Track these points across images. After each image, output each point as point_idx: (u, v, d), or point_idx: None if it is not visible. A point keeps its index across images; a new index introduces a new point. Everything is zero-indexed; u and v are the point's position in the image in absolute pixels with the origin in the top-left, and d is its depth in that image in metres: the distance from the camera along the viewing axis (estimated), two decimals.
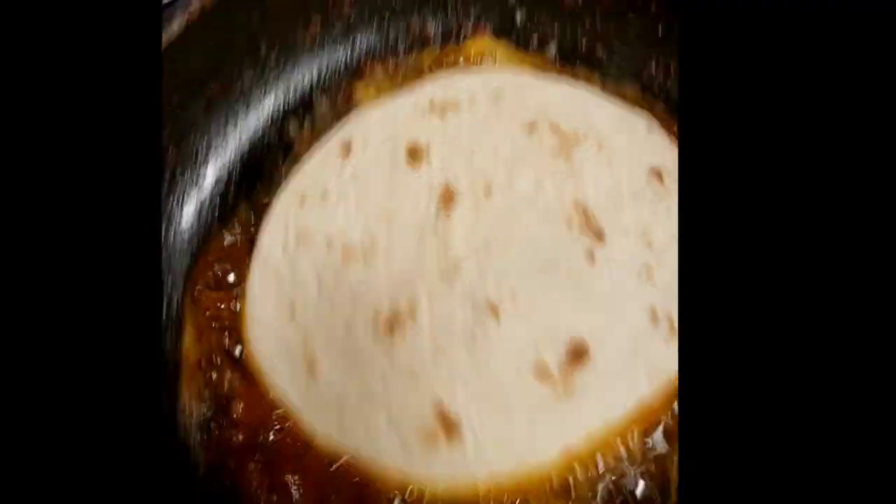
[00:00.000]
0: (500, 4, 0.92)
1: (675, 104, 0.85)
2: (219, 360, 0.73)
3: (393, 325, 0.70)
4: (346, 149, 0.82)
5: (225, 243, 0.81)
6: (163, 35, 0.74)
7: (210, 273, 0.78)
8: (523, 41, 0.92)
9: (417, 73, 0.90)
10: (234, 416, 0.72)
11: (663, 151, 0.77)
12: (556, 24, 0.91)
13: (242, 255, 0.79)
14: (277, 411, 0.71)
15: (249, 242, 0.81)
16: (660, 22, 0.86)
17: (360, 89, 0.89)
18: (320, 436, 0.69)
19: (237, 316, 0.76)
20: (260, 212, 0.82)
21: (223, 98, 0.85)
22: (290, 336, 0.73)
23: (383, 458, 0.67)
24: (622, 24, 0.89)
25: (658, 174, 0.75)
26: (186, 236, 0.80)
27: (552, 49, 0.91)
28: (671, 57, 0.86)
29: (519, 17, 0.93)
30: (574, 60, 0.90)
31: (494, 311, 0.68)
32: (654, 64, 0.88)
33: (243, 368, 0.73)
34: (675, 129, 0.82)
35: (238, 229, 0.82)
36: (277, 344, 0.73)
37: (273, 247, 0.79)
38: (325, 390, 0.70)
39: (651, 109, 0.86)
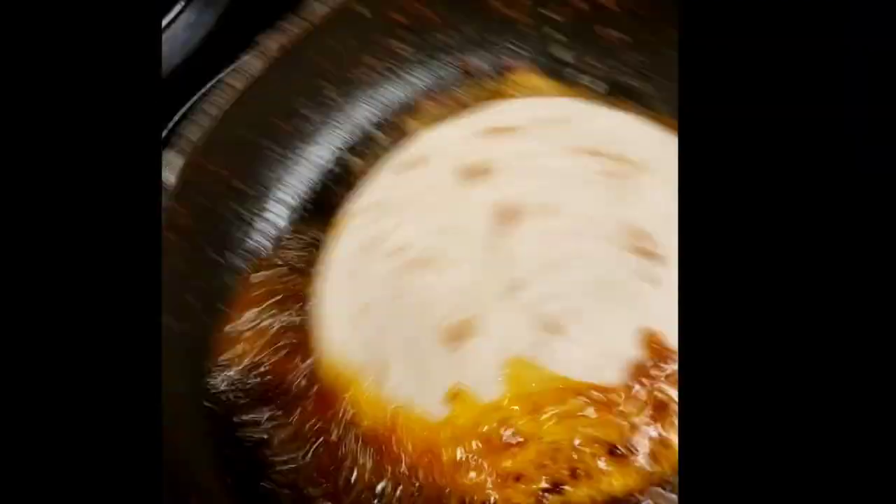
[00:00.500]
0: (542, 43, 0.96)
1: None
2: None
3: (460, 334, 0.72)
4: (408, 167, 0.84)
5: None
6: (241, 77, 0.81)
7: None
8: (567, 76, 0.96)
9: (467, 106, 0.94)
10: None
11: None
12: (598, 59, 0.95)
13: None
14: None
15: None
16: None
17: (414, 124, 0.92)
18: None
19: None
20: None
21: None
22: (360, 342, 0.75)
23: None
24: (661, 58, 0.91)
25: None
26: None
27: (598, 84, 0.93)
28: None
29: (561, 53, 0.97)
30: (618, 95, 0.93)
31: (559, 329, 0.71)
32: None
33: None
34: None
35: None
36: (348, 350, 0.76)
37: (340, 261, 0.81)
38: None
39: None
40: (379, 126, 0.96)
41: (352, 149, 0.96)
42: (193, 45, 1.02)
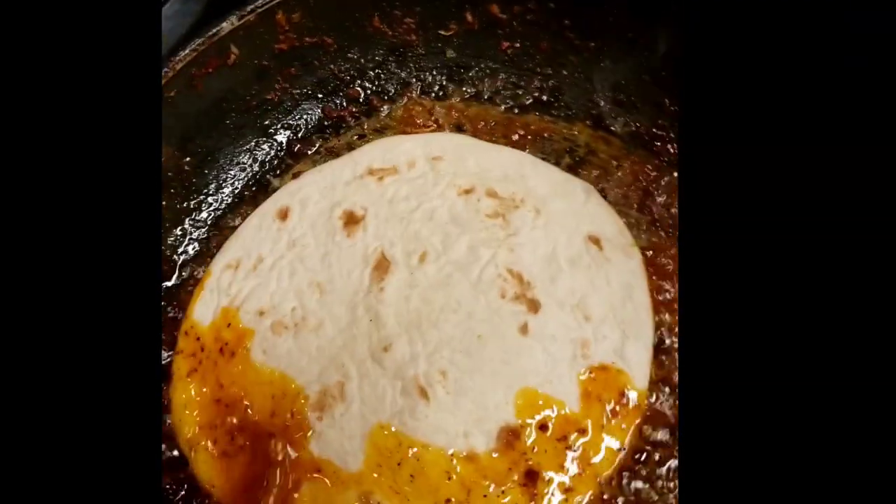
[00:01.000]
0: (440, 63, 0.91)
1: (626, 138, 0.86)
2: None
3: (322, 405, 0.65)
4: (284, 215, 0.80)
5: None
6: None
7: None
8: (467, 93, 0.91)
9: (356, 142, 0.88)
10: None
11: (602, 218, 0.75)
12: (496, 72, 0.91)
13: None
14: None
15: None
16: (602, 57, 0.86)
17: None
18: None
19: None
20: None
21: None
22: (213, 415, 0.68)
23: None
24: (563, 65, 0.88)
25: (596, 241, 0.73)
26: None
27: (497, 99, 0.89)
28: (618, 91, 0.86)
29: (455, 71, 0.92)
30: (521, 107, 0.89)
31: (424, 393, 0.64)
32: (601, 101, 0.85)
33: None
34: (630, 170, 0.82)
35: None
36: (201, 422, 0.68)
37: (204, 317, 0.76)
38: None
39: (607, 144, 0.85)
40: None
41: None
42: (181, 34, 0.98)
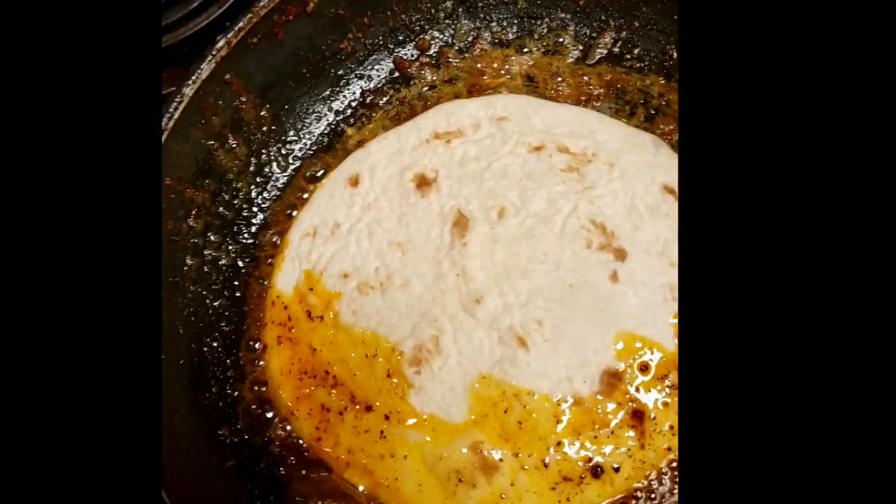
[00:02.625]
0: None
1: None
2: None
3: (418, 359, 0.65)
4: (354, 181, 0.77)
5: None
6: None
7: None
8: (538, 44, 0.89)
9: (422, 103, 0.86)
10: None
11: (674, 169, 0.73)
12: (567, 23, 0.88)
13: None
14: None
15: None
16: (675, 8, 0.83)
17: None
18: None
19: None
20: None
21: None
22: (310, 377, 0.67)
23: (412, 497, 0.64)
24: (635, 16, 0.86)
25: (671, 190, 0.72)
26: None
27: (568, 50, 0.87)
28: None
29: (526, 22, 0.90)
30: (592, 59, 0.87)
31: (522, 342, 0.64)
32: (674, 52, 0.85)
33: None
34: None
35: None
36: (298, 387, 0.68)
37: (287, 286, 0.74)
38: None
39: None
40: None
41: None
42: None
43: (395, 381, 0.67)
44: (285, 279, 0.75)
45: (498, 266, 0.70)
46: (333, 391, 0.68)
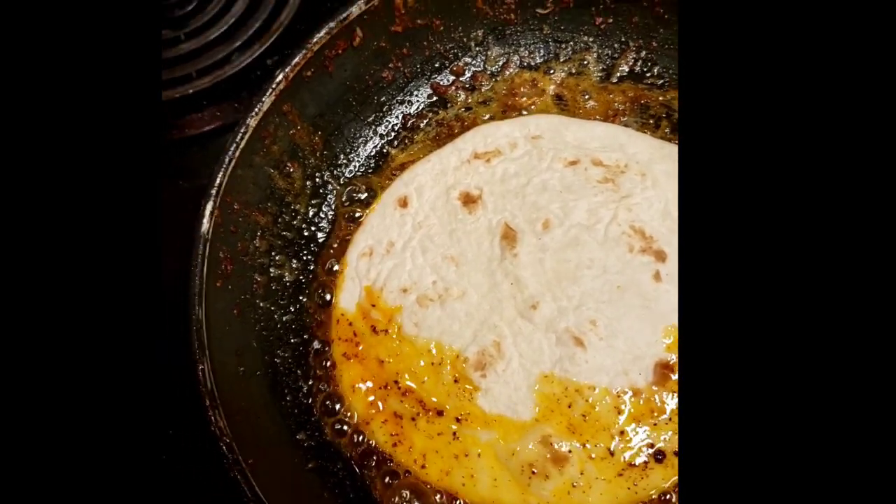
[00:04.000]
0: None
1: None
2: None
3: (483, 364, 0.68)
4: (403, 202, 0.80)
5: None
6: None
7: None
8: (564, 66, 0.94)
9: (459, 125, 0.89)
10: None
11: None
12: (590, 45, 0.93)
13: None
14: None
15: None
16: None
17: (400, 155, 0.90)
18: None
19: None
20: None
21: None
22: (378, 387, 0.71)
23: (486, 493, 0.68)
24: (653, 37, 0.91)
25: None
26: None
27: (592, 70, 0.91)
28: None
29: (552, 45, 0.94)
30: (615, 77, 0.92)
31: (579, 342, 0.67)
32: None
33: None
34: None
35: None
36: (370, 399, 0.71)
37: (350, 304, 0.77)
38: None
39: None
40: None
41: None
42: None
43: (462, 385, 0.70)
44: (347, 298, 0.79)
45: (549, 273, 0.74)
46: (404, 399, 0.71)
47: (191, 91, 1.02)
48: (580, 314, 0.73)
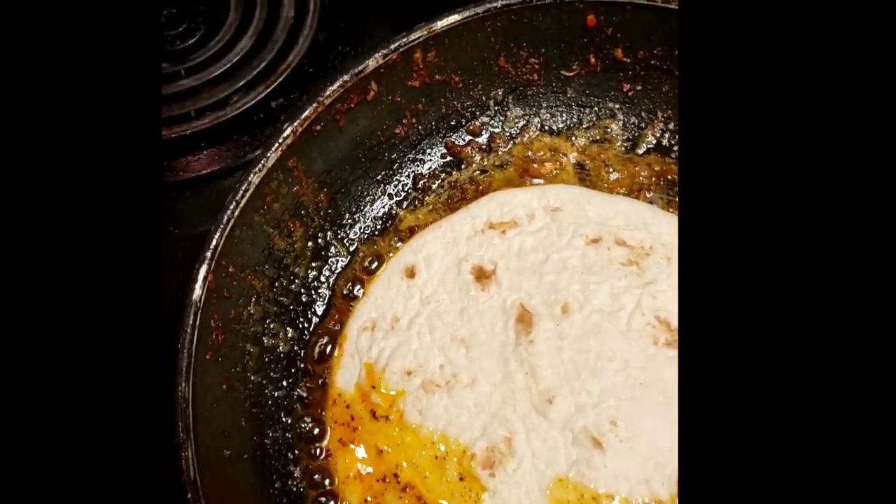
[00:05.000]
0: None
1: None
2: None
3: (491, 461, 0.63)
4: (410, 272, 0.76)
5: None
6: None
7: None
8: (587, 132, 0.91)
9: (474, 188, 0.85)
10: None
11: None
12: (615, 112, 0.90)
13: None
14: None
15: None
16: None
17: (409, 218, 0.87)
18: None
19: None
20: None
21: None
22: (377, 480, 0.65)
23: None
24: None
25: None
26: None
27: (616, 139, 0.88)
28: None
29: (575, 110, 0.91)
30: (641, 148, 0.89)
31: (598, 443, 0.62)
32: None
33: None
34: None
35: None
36: (368, 489, 0.66)
37: (348, 383, 0.72)
38: None
39: None
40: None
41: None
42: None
43: (468, 484, 0.66)
44: (346, 376, 0.75)
45: (567, 364, 0.70)
46: (403, 495, 0.67)
47: (188, 132, 0.98)
48: (599, 412, 0.68)
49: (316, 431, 0.74)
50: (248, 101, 1.00)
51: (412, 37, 0.82)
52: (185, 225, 0.96)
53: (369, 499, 0.68)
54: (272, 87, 1.02)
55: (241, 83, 1.02)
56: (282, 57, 1.04)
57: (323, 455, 0.72)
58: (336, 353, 0.77)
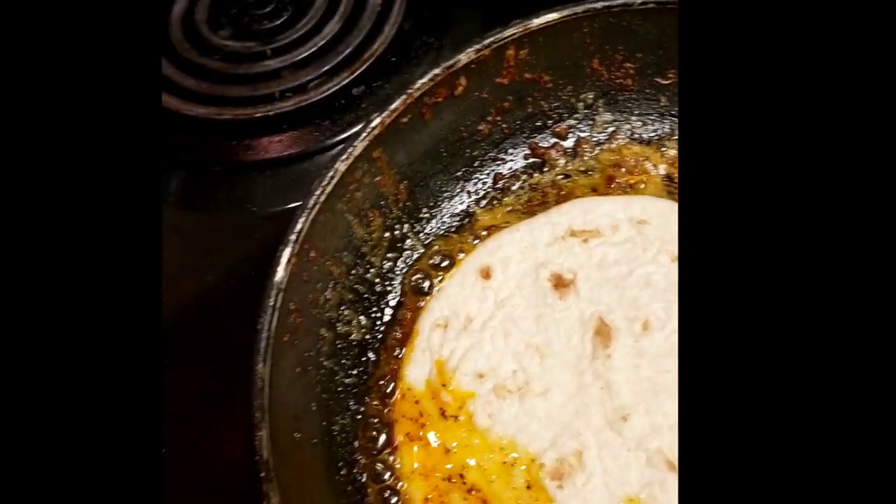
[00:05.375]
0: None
1: None
2: None
3: (560, 473, 0.62)
4: (486, 273, 0.76)
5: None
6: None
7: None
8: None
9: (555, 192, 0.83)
10: None
11: None
12: None
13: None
14: None
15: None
16: None
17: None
18: None
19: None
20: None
21: None
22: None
23: None
24: None
25: None
26: None
27: None
28: None
29: (668, 119, 0.89)
30: None
31: (672, 466, 0.61)
32: None
33: None
34: None
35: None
36: (434, 487, 0.65)
37: (418, 379, 0.74)
38: None
39: None
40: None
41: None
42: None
43: (535, 493, 0.65)
44: (416, 371, 0.75)
45: (644, 383, 0.69)
46: (468, 497, 0.67)
47: (271, 113, 0.99)
48: (675, 435, 0.67)
49: (383, 424, 0.74)
50: (332, 86, 1.01)
51: (506, 33, 0.81)
52: (261, 204, 0.97)
53: (432, 496, 0.68)
54: (355, 73, 1.02)
55: (326, 68, 1.03)
56: (367, 44, 1.04)
57: (389, 448, 0.72)
58: (407, 347, 0.77)
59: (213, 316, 0.89)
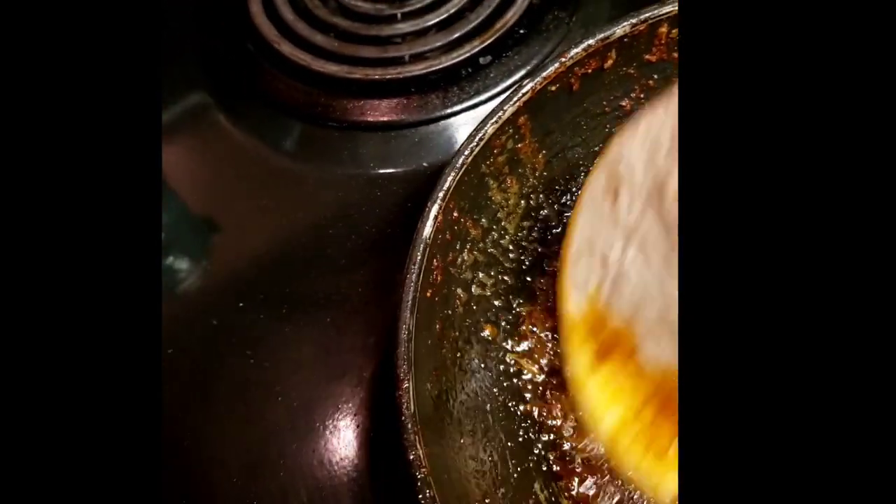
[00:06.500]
0: None
1: None
2: None
3: None
4: (613, 193, 0.70)
5: None
6: None
7: None
8: None
9: None
10: None
11: None
12: None
13: None
14: None
15: None
16: None
17: None
18: None
19: None
20: None
21: None
22: None
23: None
24: None
25: None
26: None
27: None
28: None
29: None
30: None
31: None
32: None
33: None
34: None
35: None
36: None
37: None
38: None
39: None
40: None
41: None
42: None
43: None
44: (573, 307, 0.70)
45: None
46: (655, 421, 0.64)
47: (401, 76, 1.00)
48: None
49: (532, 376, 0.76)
50: (462, 53, 1.02)
51: (663, 10, 0.81)
52: (382, 164, 0.99)
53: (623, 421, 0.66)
54: (485, 43, 1.03)
55: (455, 35, 1.04)
56: (498, 14, 1.06)
57: (549, 391, 0.74)
58: (559, 285, 0.71)
59: (334, 268, 0.91)
